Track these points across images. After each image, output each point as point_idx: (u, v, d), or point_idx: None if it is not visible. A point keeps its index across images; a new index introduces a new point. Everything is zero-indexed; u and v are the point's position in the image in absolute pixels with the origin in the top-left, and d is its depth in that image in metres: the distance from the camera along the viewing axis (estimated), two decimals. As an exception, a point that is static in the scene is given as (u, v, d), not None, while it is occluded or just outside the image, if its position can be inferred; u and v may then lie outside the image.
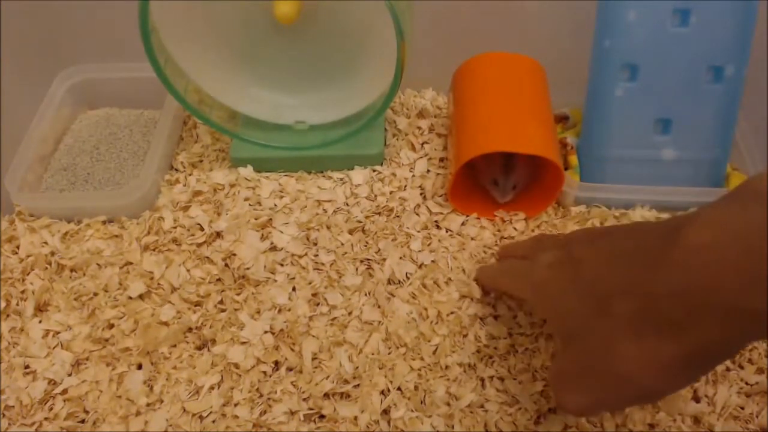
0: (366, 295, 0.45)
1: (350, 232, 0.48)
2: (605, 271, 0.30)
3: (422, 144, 0.55)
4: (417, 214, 0.49)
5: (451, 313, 0.43)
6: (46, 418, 0.39)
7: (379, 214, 0.49)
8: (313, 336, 0.42)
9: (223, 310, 0.44)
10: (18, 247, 0.48)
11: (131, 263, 0.46)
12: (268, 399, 0.40)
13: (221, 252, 0.46)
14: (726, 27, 0.45)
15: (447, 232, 0.48)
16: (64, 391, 0.41)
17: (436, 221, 0.49)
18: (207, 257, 0.47)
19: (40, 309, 0.45)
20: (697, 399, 0.40)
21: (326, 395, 0.40)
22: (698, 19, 0.45)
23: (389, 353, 0.42)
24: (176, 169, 0.53)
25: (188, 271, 0.46)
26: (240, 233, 0.47)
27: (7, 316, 0.44)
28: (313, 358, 0.41)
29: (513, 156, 0.46)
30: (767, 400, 0.39)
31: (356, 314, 0.43)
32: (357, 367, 0.41)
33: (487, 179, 0.49)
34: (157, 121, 0.55)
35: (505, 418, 0.39)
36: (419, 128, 0.56)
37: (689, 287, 0.25)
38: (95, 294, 0.45)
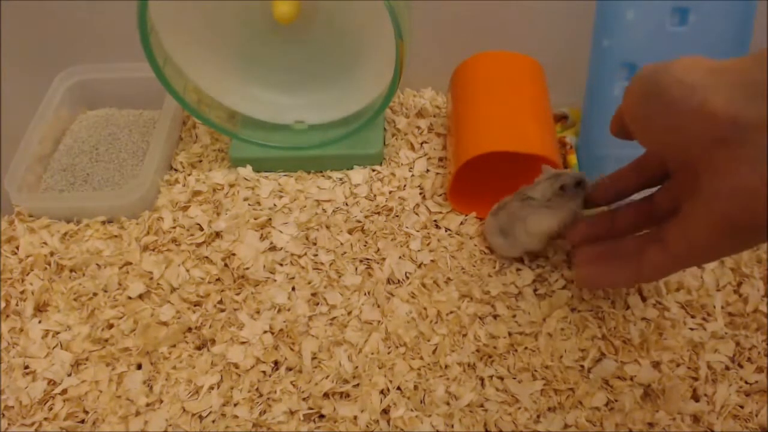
0: (365, 294, 0.45)
1: (350, 232, 0.48)
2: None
3: (421, 143, 0.55)
4: (416, 214, 0.49)
5: (451, 312, 0.43)
6: (45, 419, 0.39)
7: (379, 213, 0.49)
8: (313, 336, 0.42)
9: (223, 310, 0.44)
10: (17, 248, 0.48)
11: (131, 263, 0.46)
12: (268, 399, 0.40)
13: (220, 252, 0.46)
14: (725, 26, 0.45)
15: (446, 231, 0.48)
16: (64, 391, 0.41)
17: (435, 221, 0.49)
18: (206, 257, 0.47)
19: (40, 309, 0.45)
20: (696, 398, 0.40)
21: (326, 395, 0.40)
22: (697, 18, 0.45)
23: (389, 353, 0.42)
24: (175, 170, 0.53)
25: (188, 271, 0.46)
26: (239, 233, 0.47)
27: (7, 316, 0.44)
28: (313, 358, 0.41)
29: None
30: (767, 398, 0.39)
31: (356, 314, 0.43)
32: (356, 367, 0.41)
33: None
34: (157, 122, 0.55)
35: (505, 418, 0.39)
36: (418, 128, 0.56)
37: None
38: (95, 294, 0.45)
